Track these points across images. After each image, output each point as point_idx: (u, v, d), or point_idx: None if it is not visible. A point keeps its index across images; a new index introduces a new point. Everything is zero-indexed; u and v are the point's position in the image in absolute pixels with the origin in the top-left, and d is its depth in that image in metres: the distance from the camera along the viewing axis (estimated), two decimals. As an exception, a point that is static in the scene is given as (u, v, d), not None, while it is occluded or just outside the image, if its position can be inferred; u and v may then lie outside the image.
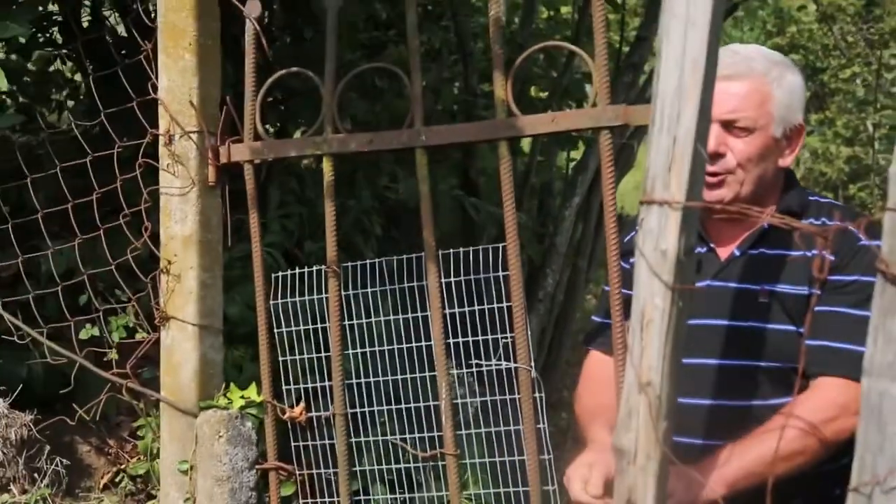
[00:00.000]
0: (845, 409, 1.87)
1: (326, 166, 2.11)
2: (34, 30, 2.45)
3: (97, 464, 2.70)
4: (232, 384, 2.23)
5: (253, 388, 2.22)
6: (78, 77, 3.06)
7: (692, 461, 1.90)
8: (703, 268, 2.04)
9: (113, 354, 2.47)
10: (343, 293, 2.22)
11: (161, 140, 2.19)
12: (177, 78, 2.18)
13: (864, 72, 9.92)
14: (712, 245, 2.06)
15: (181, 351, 2.22)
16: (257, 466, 2.21)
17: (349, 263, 2.29)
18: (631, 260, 1.92)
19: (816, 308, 1.93)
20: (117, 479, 2.71)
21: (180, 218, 2.20)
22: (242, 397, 2.20)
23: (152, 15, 3.00)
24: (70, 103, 3.00)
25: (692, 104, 1.61)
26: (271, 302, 2.30)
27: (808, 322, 1.96)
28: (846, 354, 1.90)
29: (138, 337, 2.53)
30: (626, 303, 1.95)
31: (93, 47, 2.69)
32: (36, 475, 2.24)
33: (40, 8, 2.46)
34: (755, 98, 1.95)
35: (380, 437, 2.34)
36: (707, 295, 2.00)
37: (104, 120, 2.34)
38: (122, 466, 2.72)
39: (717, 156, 1.95)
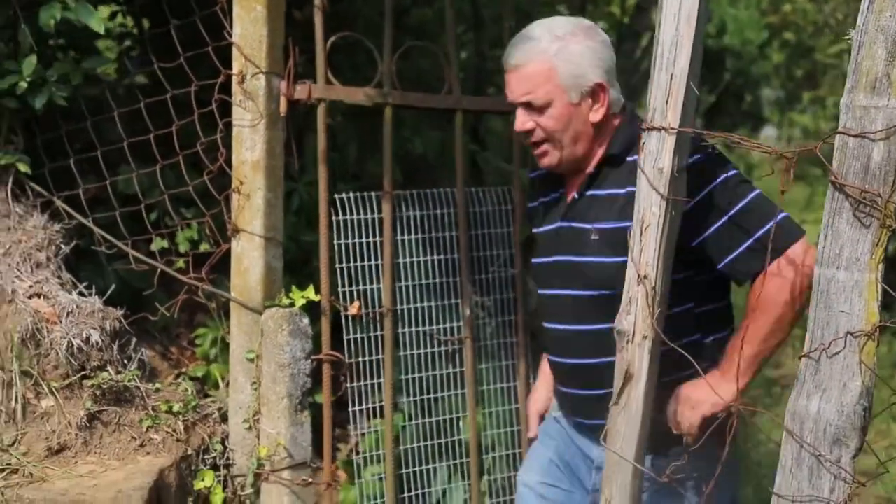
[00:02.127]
0: (787, 280, 2.03)
1: (388, 113, 2.68)
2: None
3: (161, 367, 3.03)
4: (293, 286, 2.57)
5: (311, 289, 2.56)
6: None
7: (570, 377, 2.22)
8: (557, 210, 2.24)
9: (180, 263, 2.78)
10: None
11: (234, 79, 2.51)
12: (249, 26, 2.49)
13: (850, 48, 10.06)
14: (563, 190, 2.25)
15: (249, 258, 2.55)
16: (313, 357, 2.56)
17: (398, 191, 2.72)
18: (529, 204, 2.39)
19: (710, 232, 2.06)
20: (178, 381, 3.03)
21: (250, 146, 2.52)
22: (303, 297, 2.54)
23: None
24: (133, 54, 3.32)
25: (686, 49, 1.93)
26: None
27: (712, 245, 2.07)
28: (753, 250, 2.04)
29: (202, 249, 2.86)
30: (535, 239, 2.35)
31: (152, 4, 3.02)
32: (126, 361, 2.58)
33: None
34: (541, 77, 2.11)
35: (417, 329, 2.73)
36: (558, 234, 2.22)
37: (183, 63, 2.65)
38: (184, 370, 3.04)
39: (527, 133, 2.16)
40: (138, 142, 2.77)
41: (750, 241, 2.04)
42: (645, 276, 2.00)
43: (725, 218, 2.05)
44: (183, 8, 2.75)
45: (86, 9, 2.50)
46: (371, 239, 2.65)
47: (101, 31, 2.53)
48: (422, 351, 2.75)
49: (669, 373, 2.05)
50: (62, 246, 2.70)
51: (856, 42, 1.68)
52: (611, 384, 2.02)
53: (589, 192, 2.19)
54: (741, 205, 2.06)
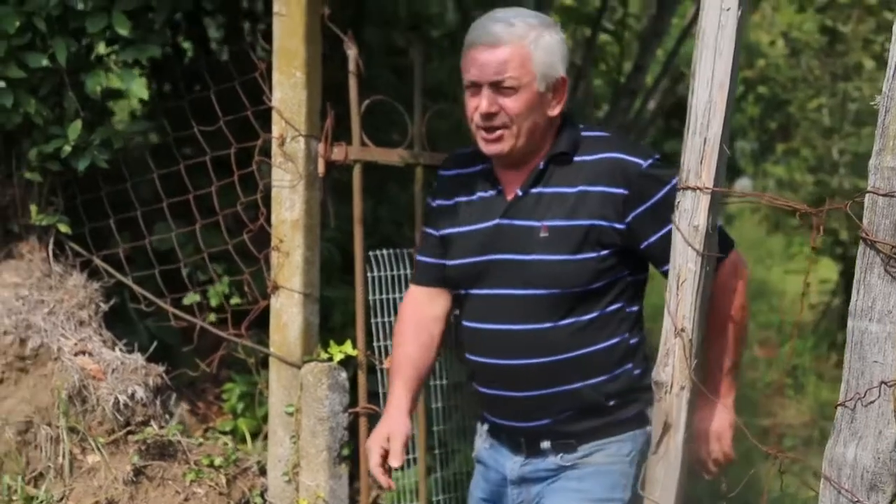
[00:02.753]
0: (740, 283, 2.16)
1: (419, 173, 2.83)
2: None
3: (190, 422, 3.07)
4: (331, 341, 2.64)
5: (348, 344, 2.63)
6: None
7: (499, 378, 2.15)
8: (492, 208, 2.16)
9: (211, 317, 2.85)
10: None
11: (275, 142, 2.60)
12: (289, 91, 2.58)
13: (830, 103, 10.36)
14: (501, 188, 2.17)
15: (288, 314, 2.61)
16: (350, 410, 2.61)
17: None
18: (437, 202, 2.26)
19: (650, 240, 2.08)
20: (206, 435, 3.07)
21: (289, 206, 2.60)
22: (341, 352, 2.60)
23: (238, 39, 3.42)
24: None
25: (719, 115, 2.04)
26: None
27: (651, 256, 2.10)
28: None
29: (232, 303, 2.92)
30: (437, 243, 2.26)
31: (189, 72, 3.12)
32: (168, 416, 2.62)
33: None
34: (517, 60, 2.07)
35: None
36: (497, 233, 2.14)
37: (222, 126, 2.73)
38: (211, 424, 3.09)
39: (491, 115, 2.08)
40: (171, 201, 2.85)
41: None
42: (682, 329, 2.08)
43: (667, 230, 2.05)
44: (216, 74, 2.85)
45: (130, 75, 2.59)
46: (402, 294, 2.73)
47: (145, 96, 2.61)
48: (451, 403, 2.82)
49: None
50: (101, 304, 2.76)
51: (882, 107, 1.79)
52: (545, 385, 2.12)
53: (535, 190, 2.15)
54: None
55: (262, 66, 2.66)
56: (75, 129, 2.63)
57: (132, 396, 2.48)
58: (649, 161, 2.12)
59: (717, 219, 2.11)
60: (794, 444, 5.21)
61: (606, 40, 6.13)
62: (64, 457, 2.40)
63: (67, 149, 2.65)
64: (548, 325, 2.10)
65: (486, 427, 2.28)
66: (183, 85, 3.02)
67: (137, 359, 2.60)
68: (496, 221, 2.15)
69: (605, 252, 2.10)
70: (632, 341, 2.20)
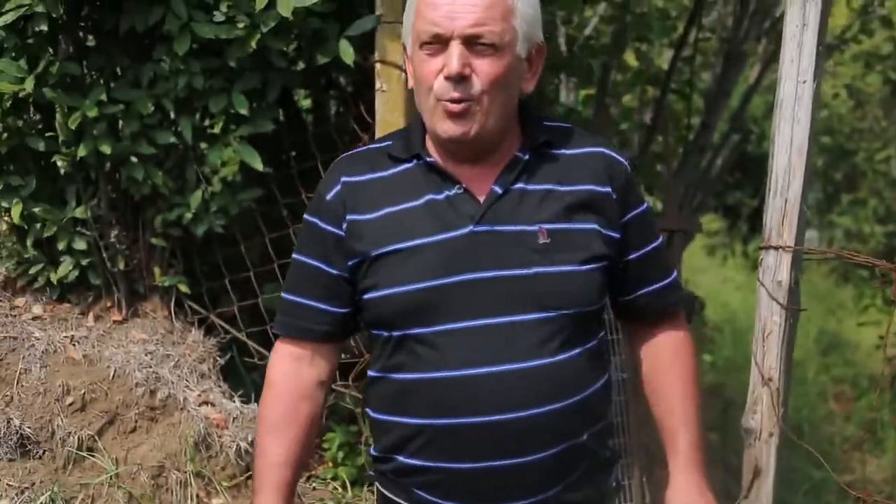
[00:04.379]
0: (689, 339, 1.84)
1: None
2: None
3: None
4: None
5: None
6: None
7: (487, 442, 1.60)
8: (456, 213, 1.62)
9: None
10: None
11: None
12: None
13: (898, 154, 10.33)
14: (463, 186, 1.64)
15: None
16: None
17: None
18: (351, 217, 1.65)
19: (636, 254, 1.74)
20: (309, 481, 3.24)
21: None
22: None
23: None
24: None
25: (798, 177, 2.19)
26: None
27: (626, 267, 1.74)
28: (675, 286, 1.81)
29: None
30: (332, 279, 1.67)
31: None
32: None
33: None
34: (498, 10, 1.58)
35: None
36: (473, 243, 1.61)
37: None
38: (313, 472, 3.26)
39: (461, 79, 1.56)
40: (279, 262, 3.06)
41: (669, 280, 1.80)
42: (770, 379, 2.21)
43: (651, 248, 1.77)
44: (322, 144, 3.07)
45: (248, 150, 2.81)
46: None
47: (259, 168, 2.84)
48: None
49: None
50: (218, 358, 2.97)
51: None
52: (553, 442, 1.63)
53: (517, 186, 1.65)
54: (660, 241, 1.82)
55: (366, 137, 2.87)
56: (196, 198, 2.86)
57: (251, 443, 2.66)
58: (628, 162, 1.77)
59: (799, 273, 2.25)
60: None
61: (673, 99, 6.28)
62: (192, 499, 2.59)
63: (188, 216, 2.88)
64: (562, 356, 1.62)
65: None
66: (292, 154, 3.24)
67: (254, 408, 2.79)
68: (469, 229, 1.61)
69: (604, 264, 1.67)
70: (610, 377, 1.80)
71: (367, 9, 2.84)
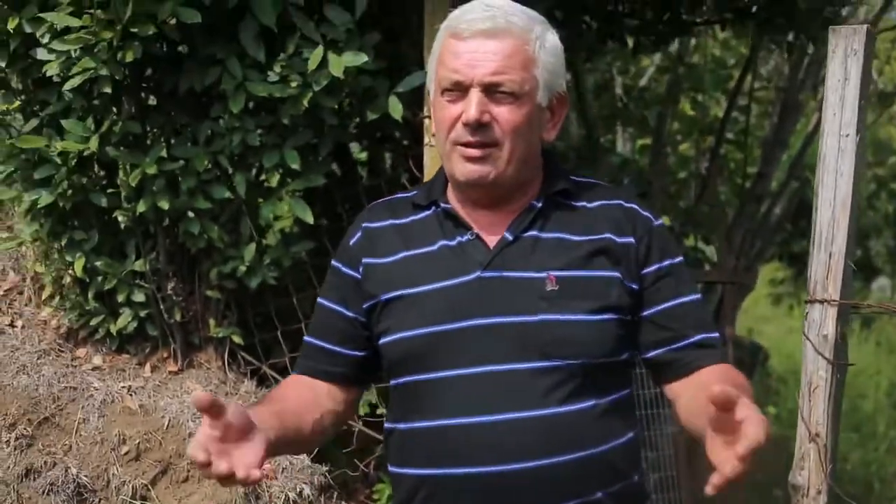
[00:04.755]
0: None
1: None
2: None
3: (343, 520, 3.27)
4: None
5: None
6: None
7: (491, 495, 1.55)
8: (466, 259, 1.63)
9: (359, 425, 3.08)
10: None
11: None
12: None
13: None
14: (475, 232, 1.65)
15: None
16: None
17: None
18: (367, 261, 1.68)
19: (659, 308, 1.67)
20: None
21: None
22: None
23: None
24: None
25: (843, 231, 2.17)
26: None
27: (650, 321, 1.67)
28: (709, 344, 1.69)
29: (378, 412, 3.14)
30: (347, 323, 1.69)
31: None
32: (332, 514, 2.84)
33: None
34: (519, 59, 1.60)
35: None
36: (480, 289, 1.61)
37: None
38: (363, 522, 3.28)
39: (480, 126, 1.58)
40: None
41: (704, 336, 1.69)
42: (816, 435, 2.18)
43: (679, 301, 1.69)
44: (371, 197, 3.13)
45: (301, 205, 2.89)
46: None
47: (311, 221, 2.91)
48: None
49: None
50: (269, 408, 3.02)
51: None
52: (560, 498, 1.57)
53: (529, 234, 1.65)
54: (694, 296, 1.73)
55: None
56: (250, 251, 2.94)
57: (300, 494, 2.70)
58: (660, 221, 1.74)
59: (847, 326, 2.22)
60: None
61: (731, 148, 6.27)
62: (240, 548, 2.63)
63: (242, 269, 2.96)
64: (568, 408, 1.57)
65: None
66: (342, 207, 3.31)
67: (304, 459, 2.83)
68: (476, 274, 1.62)
69: (622, 316, 1.64)
70: (638, 436, 1.73)
71: (417, 66, 2.92)
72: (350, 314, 1.72)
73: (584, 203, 1.70)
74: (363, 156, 4.07)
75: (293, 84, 2.74)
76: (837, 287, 2.18)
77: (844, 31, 2.15)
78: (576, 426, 1.58)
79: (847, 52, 2.15)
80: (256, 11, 2.72)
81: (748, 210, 5.76)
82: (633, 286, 1.66)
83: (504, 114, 1.60)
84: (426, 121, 2.84)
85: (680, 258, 1.72)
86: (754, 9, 3.00)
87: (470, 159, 1.60)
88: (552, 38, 1.66)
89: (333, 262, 1.78)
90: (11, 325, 3.19)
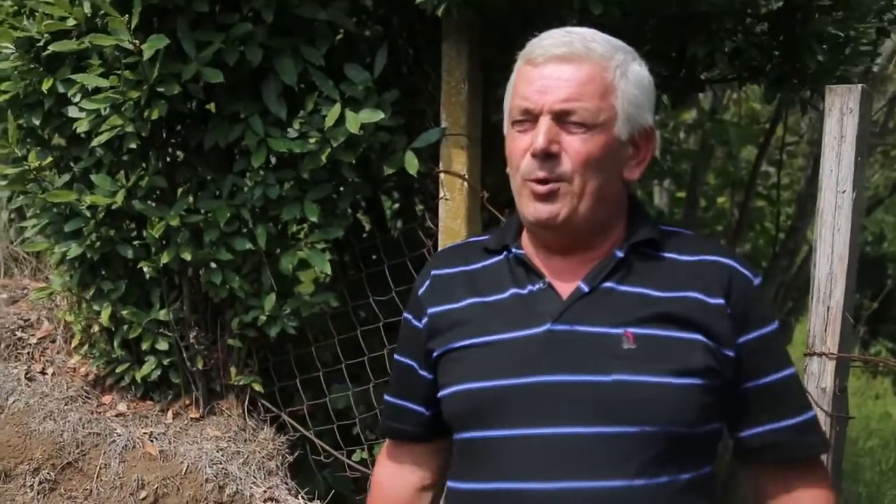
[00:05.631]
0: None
1: None
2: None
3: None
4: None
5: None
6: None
7: None
8: (536, 309, 1.52)
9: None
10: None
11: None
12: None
13: None
14: (547, 281, 1.54)
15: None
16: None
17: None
18: (432, 310, 1.62)
19: (761, 381, 1.54)
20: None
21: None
22: None
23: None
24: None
25: (840, 285, 2.21)
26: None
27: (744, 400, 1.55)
28: (808, 428, 1.58)
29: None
30: (422, 379, 1.65)
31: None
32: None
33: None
34: (595, 86, 1.48)
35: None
36: (549, 343, 1.49)
37: (394, 296, 3.09)
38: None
39: (548, 156, 1.47)
40: (348, 362, 3.20)
41: (801, 419, 1.57)
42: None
43: (776, 377, 1.57)
44: (389, 248, 3.23)
45: (319, 255, 2.99)
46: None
47: (329, 272, 3.00)
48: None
49: None
50: (287, 455, 3.09)
51: None
52: None
53: (607, 285, 1.52)
54: (790, 371, 1.59)
55: (430, 243, 3.01)
56: (270, 301, 3.03)
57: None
58: (759, 279, 1.58)
59: (845, 381, 2.25)
60: None
61: (765, 202, 6.28)
62: None
63: (263, 318, 3.05)
64: (639, 482, 1.43)
65: None
66: (360, 258, 3.41)
67: (318, 505, 2.90)
68: (546, 327, 1.50)
69: (709, 382, 1.48)
70: None
71: (434, 122, 3.03)
72: (420, 370, 1.65)
73: (673, 255, 1.56)
74: (392, 207, 4.19)
75: (312, 140, 2.85)
76: (836, 340, 2.22)
77: (840, 90, 2.21)
78: (641, 502, 1.44)
79: (843, 111, 2.21)
80: (279, 71, 2.85)
81: (781, 264, 5.75)
82: (727, 353, 1.51)
83: (575, 144, 1.48)
84: (441, 175, 2.94)
85: (776, 325, 1.58)
86: (768, 67, 3.06)
87: (538, 197, 1.49)
88: (638, 69, 1.55)
89: (404, 314, 1.71)
90: (42, 371, 3.32)
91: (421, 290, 1.68)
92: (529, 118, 1.50)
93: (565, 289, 1.53)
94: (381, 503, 1.74)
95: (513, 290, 1.56)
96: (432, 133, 2.95)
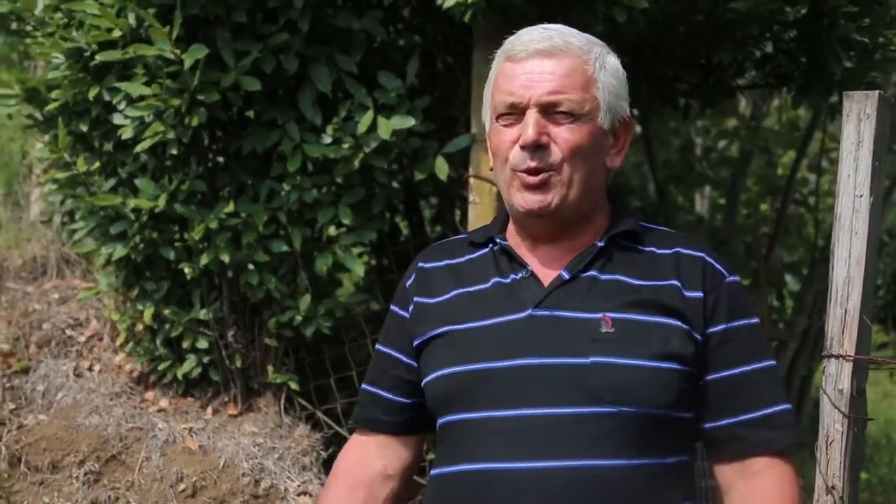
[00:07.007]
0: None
1: None
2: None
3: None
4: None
5: None
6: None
7: None
8: (519, 296, 1.56)
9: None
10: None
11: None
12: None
13: None
14: (530, 269, 1.58)
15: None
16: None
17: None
18: (418, 300, 1.65)
19: (718, 375, 1.56)
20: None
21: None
22: None
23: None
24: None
25: (857, 288, 2.23)
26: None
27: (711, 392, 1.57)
28: (775, 420, 1.58)
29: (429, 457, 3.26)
30: (401, 370, 1.67)
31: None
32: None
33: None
34: (577, 79, 1.54)
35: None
36: (531, 328, 1.52)
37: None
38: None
39: (538, 147, 1.51)
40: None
41: (767, 412, 1.58)
42: (833, 487, 2.23)
43: (745, 369, 1.59)
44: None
45: (352, 257, 3.07)
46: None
47: (362, 274, 3.09)
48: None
49: None
50: (321, 452, 3.18)
51: None
52: None
53: (588, 273, 1.57)
54: (765, 364, 1.62)
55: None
56: (305, 301, 3.12)
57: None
58: (735, 277, 1.63)
59: (863, 382, 2.27)
60: None
61: (803, 208, 6.25)
62: (286, 586, 2.78)
63: (299, 318, 3.14)
64: (618, 461, 1.46)
65: None
66: (395, 260, 3.49)
67: None
68: (528, 312, 1.54)
69: (685, 368, 1.52)
70: None
71: (464, 128, 3.11)
72: (405, 359, 1.68)
73: (651, 248, 1.61)
74: (430, 211, 4.27)
75: (346, 146, 2.94)
76: (853, 343, 2.23)
77: (857, 97, 2.23)
78: (622, 484, 1.46)
79: (860, 117, 2.22)
80: (314, 79, 2.94)
81: (819, 271, 5.72)
82: (699, 338, 1.55)
83: (563, 134, 1.53)
84: (471, 180, 3.01)
85: (754, 320, 1.61)
86: (795, 73, 3.08)
87: (529, 188, 1.53)
88: (613, 61, 1.61)
89: (391, 306, 1.74)
90: (90, 368, 3.45)
91: (408, 283, 1.72)
92: (515, 112, 1.56)
93: (547, 277, 1.58)
94: (333, 483, 1.73)
95: (495, 280, 1.61)
96: (462, 139, 3.02)
